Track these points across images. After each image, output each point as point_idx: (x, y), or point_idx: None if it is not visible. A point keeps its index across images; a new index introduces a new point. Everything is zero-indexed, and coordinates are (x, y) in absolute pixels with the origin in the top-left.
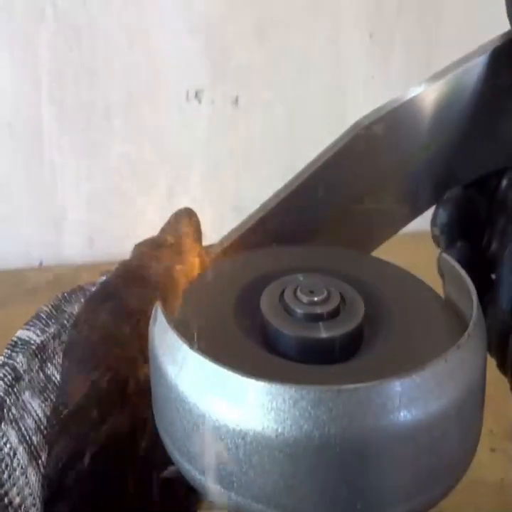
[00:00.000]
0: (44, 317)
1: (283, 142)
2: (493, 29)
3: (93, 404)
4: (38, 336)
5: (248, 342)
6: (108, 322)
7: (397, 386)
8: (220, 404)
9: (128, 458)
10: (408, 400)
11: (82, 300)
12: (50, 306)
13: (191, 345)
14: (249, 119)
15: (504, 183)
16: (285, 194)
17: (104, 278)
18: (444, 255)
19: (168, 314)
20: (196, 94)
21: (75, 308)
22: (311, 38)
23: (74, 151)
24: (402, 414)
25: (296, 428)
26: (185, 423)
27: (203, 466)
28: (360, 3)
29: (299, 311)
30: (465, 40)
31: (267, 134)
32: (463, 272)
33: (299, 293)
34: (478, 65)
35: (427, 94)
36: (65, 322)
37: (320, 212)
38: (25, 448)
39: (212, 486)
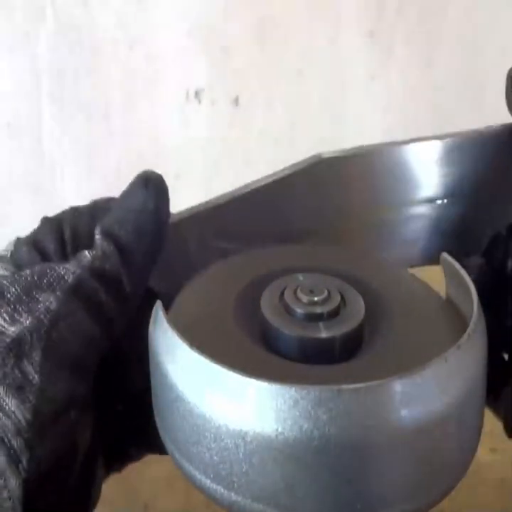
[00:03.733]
0: (12, 300)
1: (283, 142)
2: (493, 29)
3: (74, 408)
4: (8, 323)
5: (248, 342)
6: (85, 324)
7: (398, 386)
8: (220, 404)
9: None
10: (408, 400)
11: (55, 286)
12: (17, 288)
13: (191, 345)
14: (249, 119)
15: None
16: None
17: (73, 269)
18: (445, 255)
19: (168, 314)
20: (196, 94)
21: (50, 300)
22: (311, 38)
23: (74, 151)
24: (402, 414)
25: (296, 428)
26: (185, 423)
27: (203, 466)
28: (360, 3)
29: (299, 310)
30: (465, 40)
31: (267, 134)
32: (463, 272)
33: (299, 293)
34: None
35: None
36: (42, 317)
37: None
38: (4, 452)
39: (212, 486)
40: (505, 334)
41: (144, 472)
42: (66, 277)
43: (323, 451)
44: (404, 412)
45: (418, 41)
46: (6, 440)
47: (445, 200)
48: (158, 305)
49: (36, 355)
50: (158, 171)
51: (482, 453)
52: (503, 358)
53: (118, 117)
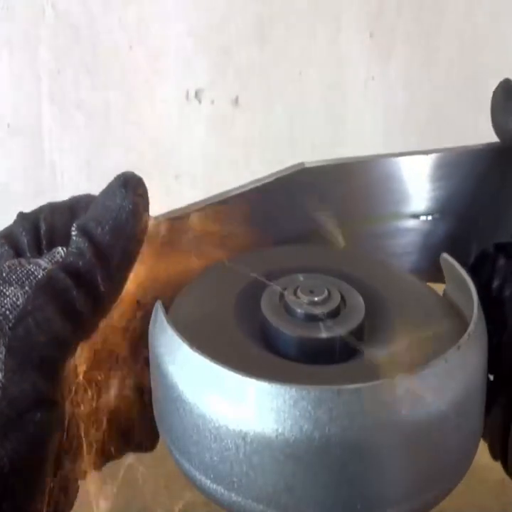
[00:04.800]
0: None
1: (283, 142)
2: (493, 29)
3: (37, 408)
4: None
5: (248, 342)
6: (54, 321)
7: (398, 386)
8: (220, 404)
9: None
10: (408, 400)
11: (24, 281)
12: None
13: (191, 345)
14: (249, 119)
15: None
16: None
17: (45, 264)
18: (445, 255)
19: (168, 314)
20: (196, 94)
21: (17, 295)
22: (311, 38)
23: (74, 151)
24: (402, 414)
25: (297, 428)
26: (185, 423)
27: (203, 466)
28: (360, 3)
29: (300, 311)
30: (465, 40)
31: (267, 134)
32: (463, 272)
33: (299, 293)
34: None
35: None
36: (7, 313)
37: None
38: None
39: (212, 486)
40: (491, 352)
41: (143, 472)
42: (36, 273)
43: (323, 451)
44: (404, 412)
45: (418, 41)
46: None
47: (429, 216)
48: (158, 305)
49: (0, 352)
50: (158, 171)
51: (482, 453)
52: (488, 378)
53: (118, 117)
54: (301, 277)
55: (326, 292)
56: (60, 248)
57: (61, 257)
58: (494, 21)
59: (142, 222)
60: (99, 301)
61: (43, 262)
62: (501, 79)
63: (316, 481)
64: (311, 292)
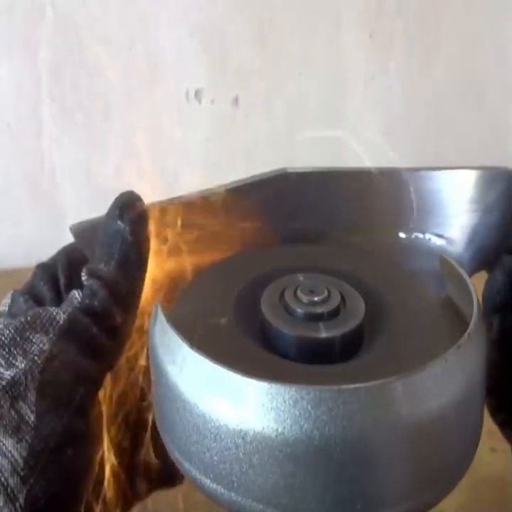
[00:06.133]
0: (6, 343)
1: (283, 142)
2: (493, 29)
3: (69, 444)
4: (4, 367)
5: (248, 342)
6: (78, 361)
7: (398, 386)
8: (220, 404)
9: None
10: (408, 400)
11: (47, 328)
12: (11, 331)
13: (191, 345)
14: (249, 119)
15: None
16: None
17: (65, 309)
18: (444, 255)
19: (169, 314)
20: (196, 94)
21: (43, 341)
22: (311, 38)
23: (74, 151)
24: (402, 414)
25: (297, 428)
26: (186, 423)
27: (203, 465)
28: (360, 3)
29: (299, 310)
30: (465, 41)
31: (267, 134)
32: (463, 272)
33: (299, 293)
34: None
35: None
36: (36, 358)
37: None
38: (0, 491)
39: (212, 486)
40: None
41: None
42: (58, 318)
43: (323, 451)
44: (404, 412)
45: (418, 41)
46: (2, 479)
47: (401, 233)
48: (159, 305)
49: (31, 396)
50: (158, 171)
51: (482, 453)
52: None
53: (118, 117)
54: (301, 277)
55: (326, 292)
56: (75, 292)
57: (77, 301)
58: (494, 21)
59: (144, 246)
60: (118, 332)
61: (63, 307)
62: (501, 79)
63: (316, 480)
64: (311, 292)
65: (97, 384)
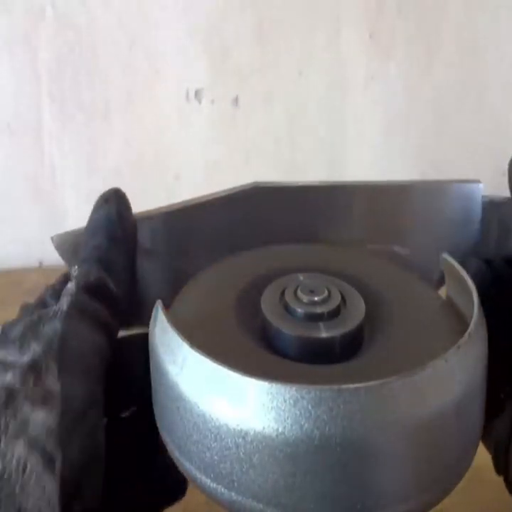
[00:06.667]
0: (18, 336)
1: (283, 142)
2: (493, 29)
3: (94, 409)
4: (18, 356)
5: (248, 342)
6: (90, 335)
7: (398, 386)
8: (221, 403)
9: (134, 456)
10: (408, 400)
11: (54, 317)
12: (20, 328)
13: (192, 345)
14: (249, 119)
15: None
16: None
17: (65, 298)
18: (445, 255)
19: (169, 314)
20: (196, 94)
21: (53, 325)
22: (311, 38)
23: (74, 151)
24: (402, 414)
25: (297, 427)
26: (186, 422)
27: (204, 465)
28: (360, 3)
29: (300, 310)
30: (465, 41)
31: (267, 134)
32: (463, 272)
33: (299, 292)
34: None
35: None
36: (51, 341)
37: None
38: (37, 457)
39: (212, 486)
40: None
41: None
42: (61, 308)
43: (324, 451)
44: (404, 412)
45: (418, 41)
46: (40, 444)
47: (378, 245)
48: (159, 305)
49: (53, 370)
50: (158, 171)
51: (482, 453)
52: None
53: (118, 117)
54: (301, 277)
55: (326, 292)
56: (69, 284)
57: (73, 289)
58: (494, 21)
59: (130, 225)
60: (117, 304)
61: (63, 299)
62: (501, 79)
63: (316, 480)
64: (311, 292)
65: (107, 354)
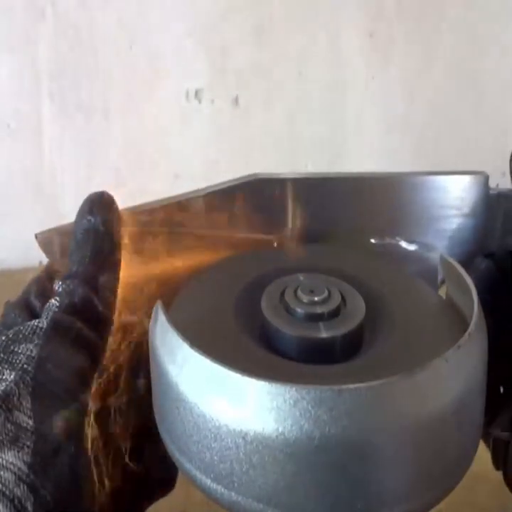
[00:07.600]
0: None
1: (283, 142)
2: (493, 29)
3: (70, 441)
4: None
5: (248, 342)
6: (70, 356)
7: (398, 386)
8: (221, 403)
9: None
10: (409, 400)
11: (32, 336)
12: None
13: (192, 345)
14: (249, 119)
15: None
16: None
17: (45, 315)
18: (444, 255)
19: (169, 314)
20: (196, 94)
21: (29, 348)
22: (311, 38)
23: (74, 151)
24: (402, 414)
25: (297, 428)
26: (186, 423)
27: (204, 465)
28: (360, 3)
29: (300, 310)
30: (465, 40)
31: (267, 134)
32: (463, 272)
33: (299, 292)
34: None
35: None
36: (25, 366)
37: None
38: (6, 504)
39: (212, 486)
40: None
41: None
42: (41, 325)
43: (324, 451)
44: (404, 412)
45: (418, 41)
46: (7, 493)
47: (372, 239)
48: (159, 305)
49: (26, 403)
50: (158, 171)
51: (482, 453)
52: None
53: (118, 117)
54: (301, 277)
55: (326, 292)
56: (52, 299)
57: (56, 306)
58: (494, 22)
59: (117, 235)
60: (102, 322)
61: (43, 316)
62: (501, 79)
63: (316, 480)
64: (312, 292)
65: (90, 378)
